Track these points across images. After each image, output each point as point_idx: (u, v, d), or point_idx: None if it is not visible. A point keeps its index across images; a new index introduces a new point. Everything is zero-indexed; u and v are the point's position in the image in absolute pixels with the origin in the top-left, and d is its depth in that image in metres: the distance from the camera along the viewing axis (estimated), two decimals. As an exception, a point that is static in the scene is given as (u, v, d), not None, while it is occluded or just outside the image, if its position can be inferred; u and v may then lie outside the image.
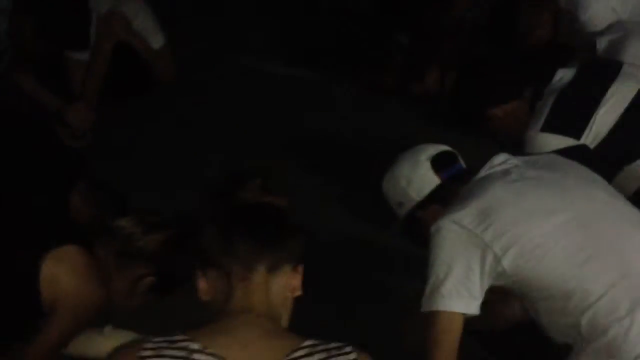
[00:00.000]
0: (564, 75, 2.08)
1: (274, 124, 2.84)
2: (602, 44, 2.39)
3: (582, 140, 1.95)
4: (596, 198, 1.62)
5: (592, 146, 1.96)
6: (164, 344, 1.14)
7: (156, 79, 2.86)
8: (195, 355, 1.11)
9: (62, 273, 1.52)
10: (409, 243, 1.91)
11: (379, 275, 2.21)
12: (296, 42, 3.32)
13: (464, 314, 1.52)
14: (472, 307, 1.53)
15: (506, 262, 1.51)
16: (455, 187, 1.71)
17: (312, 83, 3.11)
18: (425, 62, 2.91)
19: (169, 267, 1.62)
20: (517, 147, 2.04)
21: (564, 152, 1.84)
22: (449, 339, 1.52)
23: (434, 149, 1.79)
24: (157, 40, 2.86)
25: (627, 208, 1.63)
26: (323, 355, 1.12)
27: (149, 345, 1.14)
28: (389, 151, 1.89)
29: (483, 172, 1.67)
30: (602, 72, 2.10)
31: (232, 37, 3.36)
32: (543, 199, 1.58)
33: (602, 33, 2.41)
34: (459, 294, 1.54)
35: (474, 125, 2.18)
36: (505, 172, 1.65)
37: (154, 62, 2.84)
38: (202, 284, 1.23)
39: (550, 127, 1.98)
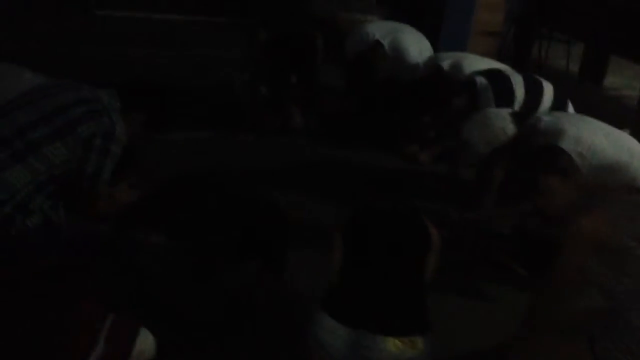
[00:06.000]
0: (480, 79, 3.44)
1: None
2: (445, 65, 3.89)
3: (515, 108, 3.32)
4: None
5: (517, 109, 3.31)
6: None
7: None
8: None
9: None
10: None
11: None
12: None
13: None
14: None
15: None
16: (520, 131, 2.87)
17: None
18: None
19: None
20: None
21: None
22: None
23: (506, 110, 3.00)
24: None
25: None
26: None
27: None
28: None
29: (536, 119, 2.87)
30: (502, 74, 3.51)
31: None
32: (583, 123, 2.83)
33: (442, 59, 3.95)
34: None
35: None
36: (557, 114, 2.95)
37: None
38: None
39: (498, 104, 3.30)
